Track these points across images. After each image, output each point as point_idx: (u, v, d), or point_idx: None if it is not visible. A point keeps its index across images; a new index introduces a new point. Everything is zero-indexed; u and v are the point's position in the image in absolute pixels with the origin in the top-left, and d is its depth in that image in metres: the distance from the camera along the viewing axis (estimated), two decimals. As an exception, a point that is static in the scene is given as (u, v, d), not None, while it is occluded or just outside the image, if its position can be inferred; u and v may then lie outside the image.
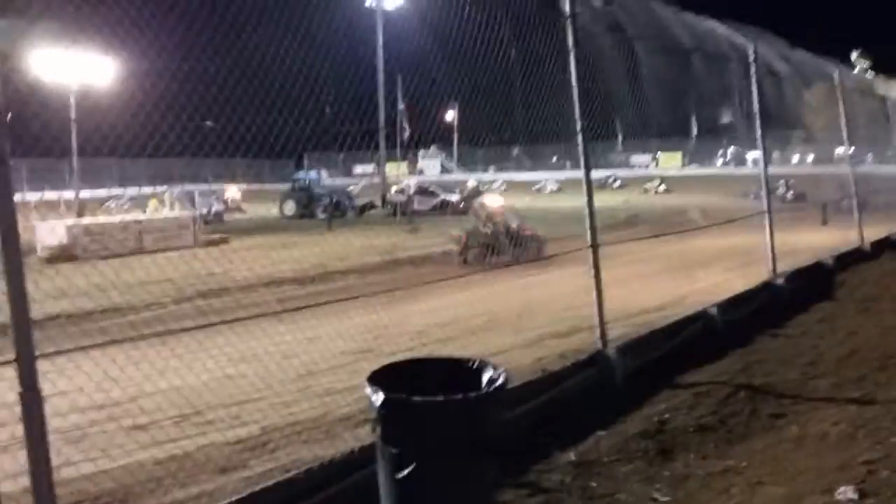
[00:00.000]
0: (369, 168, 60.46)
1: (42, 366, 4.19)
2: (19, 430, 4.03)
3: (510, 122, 11.13)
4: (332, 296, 14.18)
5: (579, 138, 8.94)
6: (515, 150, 74.74)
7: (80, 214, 30.48)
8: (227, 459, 6.71)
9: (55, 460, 4.43)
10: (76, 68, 25.20)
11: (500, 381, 4.48)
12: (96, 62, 25.46)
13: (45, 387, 4.47)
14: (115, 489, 6.02)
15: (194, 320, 12.92)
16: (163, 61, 6.69)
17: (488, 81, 9.79)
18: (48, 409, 4.24)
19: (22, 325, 3.50)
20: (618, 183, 60.28)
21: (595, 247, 8.96)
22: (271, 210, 40.49)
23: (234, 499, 5.09)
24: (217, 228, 33.23)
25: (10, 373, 4.01)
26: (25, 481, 4.12)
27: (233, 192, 44.67)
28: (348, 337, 9.76)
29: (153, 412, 7.75)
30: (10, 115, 3.54)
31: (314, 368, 9.27)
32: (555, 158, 65.67)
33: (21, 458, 3.97)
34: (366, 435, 5.64)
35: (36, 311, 3.98)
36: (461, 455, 4.17)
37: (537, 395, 7.55)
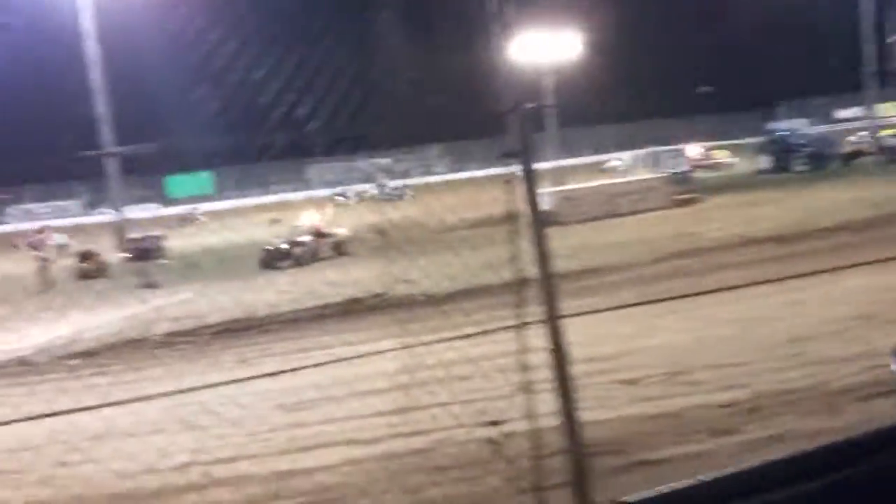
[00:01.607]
0: (853, 112, 53.97)
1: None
2: (539, 375, 4.53)
3: None
4: (817, 256, 13.08)
5: None
6: None
7: (561, 183, 32.92)
8: (718, 421, 6.66)
9: (552, 408, 4.93)
10: (551, 48, 27.07)
11: None
12: (567, 40, 27.10)
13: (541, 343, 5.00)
14: (610, 438, 6.40)
15: (671, 280, 13.14)
16: (626, 34, 6.79)
17: None
18: (542, 359, 4.73)
19: (548, 290, 3.89)
20: None
21: None
22: (748, 166, 38.86)
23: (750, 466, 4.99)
24: (687, 188, 32.98)
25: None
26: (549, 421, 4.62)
27: (695, 150, 43.86)
28: (840, 301, 8.90)
29: (641, 368, 8.05)
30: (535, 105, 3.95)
31: (803, 334, 8.66)
32: None
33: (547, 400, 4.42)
34: (880, 411, 5.09)
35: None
36: None
37: None
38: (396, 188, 44.19)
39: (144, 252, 25.00)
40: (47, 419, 5.57)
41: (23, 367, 13.91)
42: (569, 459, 3.96)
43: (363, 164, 60.88)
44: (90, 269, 25.04)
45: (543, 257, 3.87)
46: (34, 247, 25.64)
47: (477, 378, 5.21)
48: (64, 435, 5.53)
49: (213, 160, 50.22)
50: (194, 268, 23.45)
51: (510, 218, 4.42)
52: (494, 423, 4.83)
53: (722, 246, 15.53)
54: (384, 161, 62.50)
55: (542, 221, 3.85)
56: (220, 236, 23.29)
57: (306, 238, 25.61)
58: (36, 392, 9.34)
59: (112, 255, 27.76)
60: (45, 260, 25.28)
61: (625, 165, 42.81)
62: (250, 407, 6.46)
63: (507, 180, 4.06)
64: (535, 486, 4.44)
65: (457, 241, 5.92)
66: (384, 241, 5.76)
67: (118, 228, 30.83)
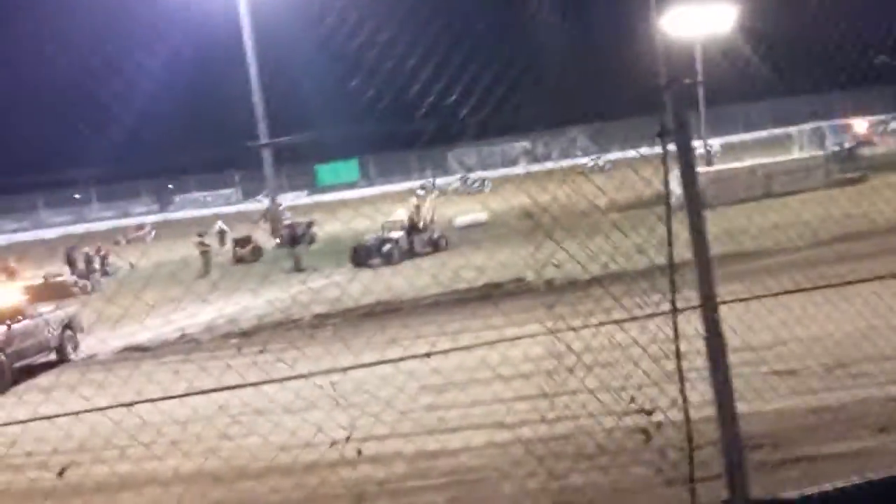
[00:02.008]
0: None
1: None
2: (691, 363, 4.39)
3: None
4: None
5: None
6: None
7: (708, 164, 31.64)
8: (884, 418, 6.21)
9: (705, 398, 4.73)
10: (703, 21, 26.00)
11: None
12: (721, 12, 25.92)
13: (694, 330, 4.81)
14: (767, 432, 6.10)
15: (833, 265, 12.31)
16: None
17: None
18: (693, 347, 4.56)
19: (705, 275, 3.76)
20: None
21: None
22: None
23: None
24: (853, 166, 30.74)
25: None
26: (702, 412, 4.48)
27: (862, 126, 40.70)
28: None
29: (800, 359, 7.63)
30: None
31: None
32: None
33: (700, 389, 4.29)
34: None
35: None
36: None
37: None
38: (476, 181, 45.95)
39: (296, 237, 26.19)
40: (213, 394, 5.98)
41: (189, 345, 15.02)
42: (723, 451, 3.82)
43: (502, 147, 61.05)
44: (246, 254, 26.59)
45: (700, 240, 3.73)
46: (131, 241, 27.33)
47: (626, 364, 5.12)
48: (228, 409, 5.92)
49: (359, 148, 51.78)
50: (343, 253, 24.33)
51: (661, 200, 4.30)
52: (644, 412, 4.71)
53: (892, 229, 14.40)
54: (521, 145, 62.28)
55: (698, 202, 3.72)
56: (369, 222, 24.01)
57: (396, 234, 25.01)
58: (203, 368, 10.05)
59: (266, 240, 29.30)
60: (205, 246, 27.08)
61: (792, 142, 40.29)
62: (400, 387, 6.66)
63: (660, 160, 3.94)
64: (686, 478, 4.31)
65: (606, 224, 5.80)
66: (532, 225, 5.73)
67: (271, 215, 32.53)
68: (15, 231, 48.42)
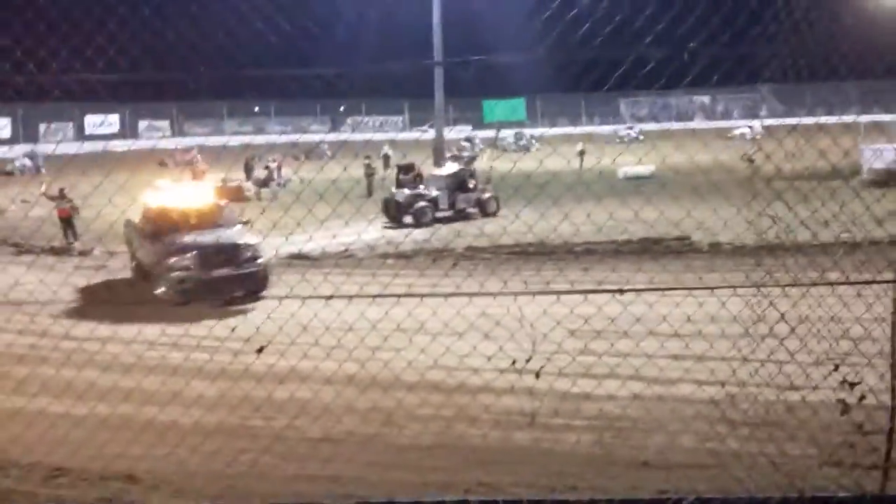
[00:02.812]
0: None
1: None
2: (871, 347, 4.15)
3: None
4: None
5: None
6: None
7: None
8: None
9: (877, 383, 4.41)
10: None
11: None
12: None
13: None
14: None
15: None
16: None
17: None
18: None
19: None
20: None
21: None
22: None
23: None
24: None
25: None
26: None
27: None
28: None
29: None
30: None
31: None
32: None
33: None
34: None
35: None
36: None
37: None
38: (524, 139, 44.85)
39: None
40: (369, 309, 6.29)
41: (348, 259, 15.71)
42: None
43: (678, 100, 58.27)
44: (407, 181, 27.16)
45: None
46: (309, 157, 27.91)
47: (791, 340, 4.85)
48: (380, 324, 6.20)
49: (529, 87, 50.98)
50: (508, 190, 24.20)
51: (854, 173, 4.01)
52: (847, 384, 4.41)
53: None
54: (701, 99, 59.03)
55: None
56: (534, 162, 23.65)
57: (435, 192, 22.49)
58: (358, 282, 10.54)
59: (428, 169, 29.79)
60: (371, 169, 27.92)
61: None
62: (548, 330, 6.67)
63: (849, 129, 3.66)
64: (850, 463, 4.11)
65: (789, 191, 5.41)
66: (751, 175, 5.45)
67: (436, 146, 32.95)
68: (200, 136, 51.90)
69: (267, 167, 29.20)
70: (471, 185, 22.99)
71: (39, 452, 6.47)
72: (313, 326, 6.61)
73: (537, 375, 6.02)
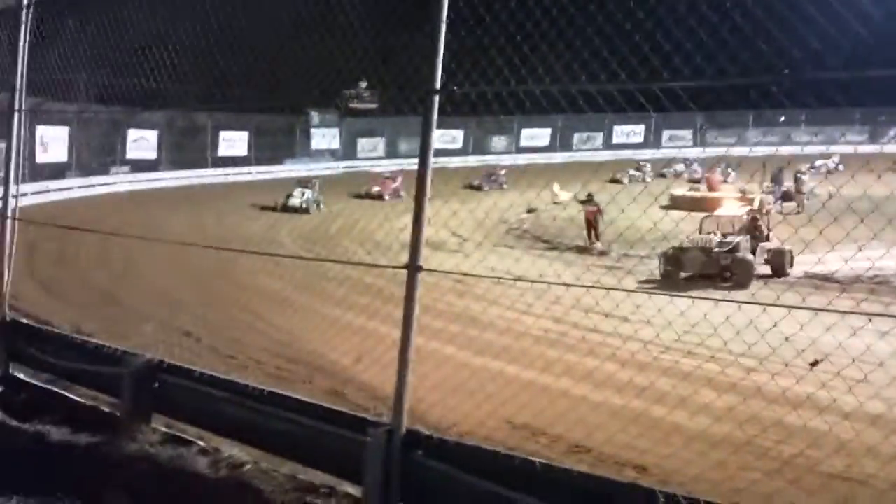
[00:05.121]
0: None
1: None
2: None
3: None
4: None
5: None
6: None
7: None
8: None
9: None
10: None
11: None
12: None
13: None
14: None
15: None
16: None
17: None
18: None
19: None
20: None
21: None
22: None
23: None
24: None
25: None
26: None
27: None
28: None
29: None
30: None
31: None
32: None
33: None
34: None
35: None
36: None
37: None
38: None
39: None
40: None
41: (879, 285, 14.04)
42: None
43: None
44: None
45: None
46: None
47: None
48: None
49: None
50: None
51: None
52: None
53: None
54: None
55: None
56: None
57: (736, 238, 16.51)
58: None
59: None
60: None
61: None
62: None
63: None
64: None
65: None
66: None
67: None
68: (721, 147, 51.22)
69: (796, 178, 28.02)
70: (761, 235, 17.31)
71: (561, 427, 7.29)
72: (836, 354, 6.20)
73: None
